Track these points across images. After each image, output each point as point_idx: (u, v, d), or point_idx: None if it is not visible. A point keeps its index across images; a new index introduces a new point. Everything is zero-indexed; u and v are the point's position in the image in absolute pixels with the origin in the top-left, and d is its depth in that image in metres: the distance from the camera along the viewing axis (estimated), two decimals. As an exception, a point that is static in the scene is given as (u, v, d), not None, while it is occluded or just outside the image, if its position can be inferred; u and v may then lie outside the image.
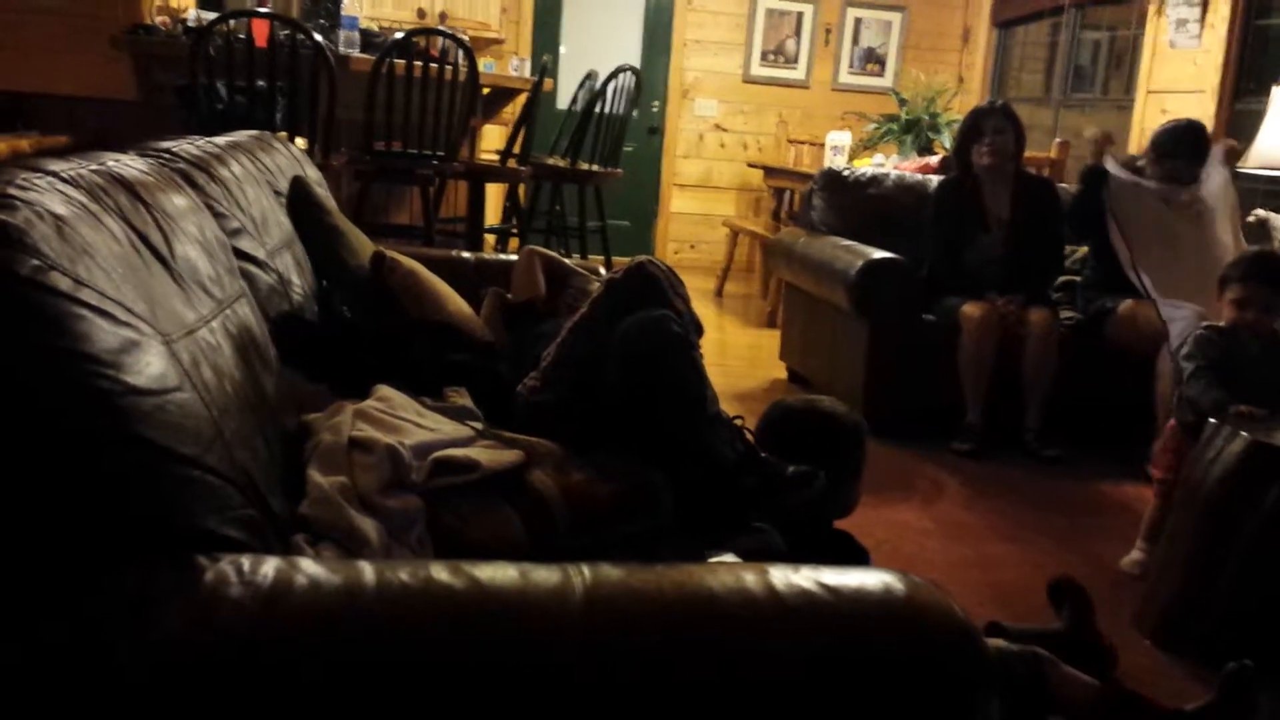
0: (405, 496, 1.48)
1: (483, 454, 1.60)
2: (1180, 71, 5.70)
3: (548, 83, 5.52)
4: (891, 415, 3.96)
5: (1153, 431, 3.04)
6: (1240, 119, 5.35)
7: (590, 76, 5.88)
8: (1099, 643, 2.21)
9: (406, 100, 4.34)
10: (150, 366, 1.10)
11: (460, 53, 4.46)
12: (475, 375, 2.00)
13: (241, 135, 2.45)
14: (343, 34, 4.69)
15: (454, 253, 3.24)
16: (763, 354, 5.23)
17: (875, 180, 4.56)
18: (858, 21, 8.09)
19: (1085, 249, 4.39)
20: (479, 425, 1.77)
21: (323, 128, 4.23)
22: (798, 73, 8.10)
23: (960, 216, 4.07)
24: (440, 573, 1.03)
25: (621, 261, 2.17)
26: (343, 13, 4.94)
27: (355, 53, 4.63)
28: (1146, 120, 5.96)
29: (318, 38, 4.10)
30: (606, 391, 1.81)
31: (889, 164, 5.83)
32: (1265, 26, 5.38)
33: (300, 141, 4.15)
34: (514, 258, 3.13)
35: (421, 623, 0.99)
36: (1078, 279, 4.20)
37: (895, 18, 8.12)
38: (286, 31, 4.10)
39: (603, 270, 2.78)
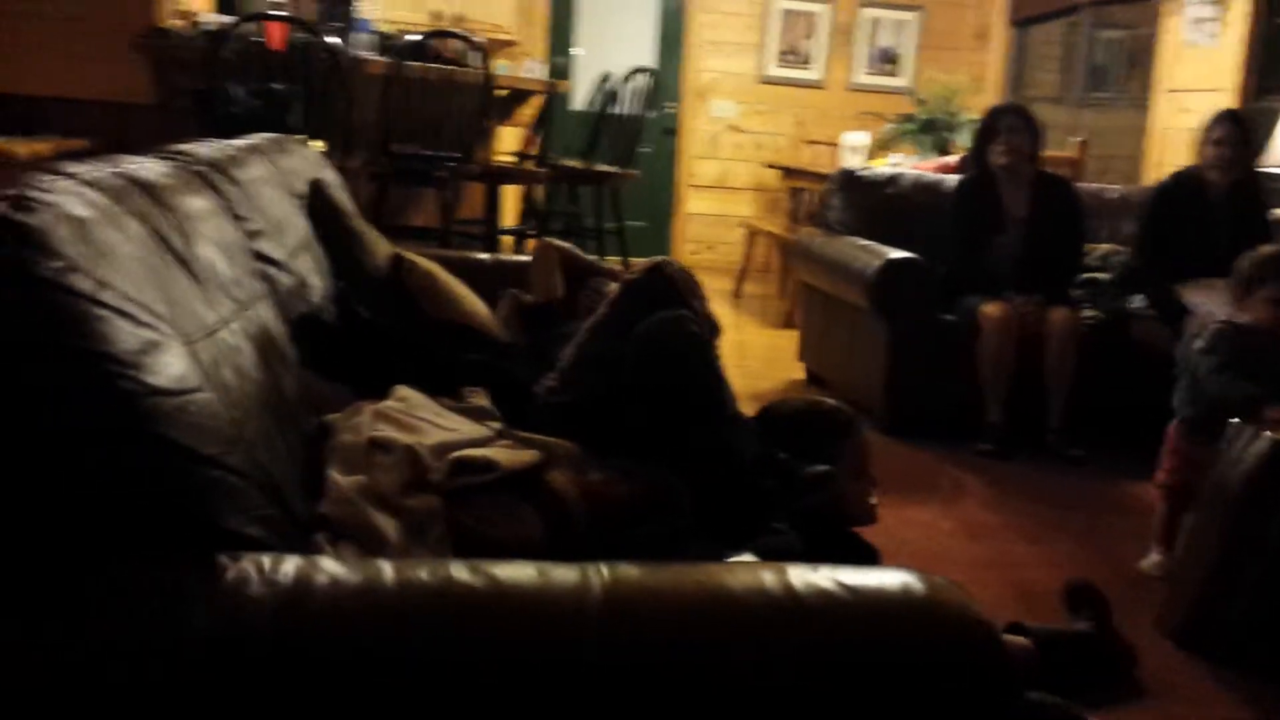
0: (424, 496, 1.48)
1: (501, 454, 1.60)
2: (1198, 70, 5.67)
3: (563, 84, 5.53)
4: (912, 415, 3.95)
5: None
6: (1259, 117, 5.32)
7: (606, 78, 5.88)
8: (1117, 644, 2.19)
9: (422, 103, 4.36)
10: (171, 367, 1.11)
11: (475, 55, 4.47)
12: (493, 376, 2.00)
13: (259, 138, 2.46)
14: (358, 36, 4.71)
15: (471, 254, 3.25)
16: (781, 354, 5.22)
17: (893, 180, 4.55)
18: (874, 21, 8.07)
19: (1108, 246, 4.37)
20: (497, 425, 1.77)
21: (340, 130, 4.25)
22: (813, 73, 8.08)
23: (978, 216, 4.05)
24: (460, 572, 1.03)
25: (639, 262, 2.17)
26: (358, 16, 4.96)
27: (371, 55, 4.65)
28: (1165, 120, 5.93)
29: (333, 40, 4.11)
30: (625, 392, 1.81)
31: (906, 164, 5.81)
32: (1285, 23, 5.35)
33: (318, 144, 4.16)
34: (531, 258, 3.14)
35: (441, 621, 0.99)
36: (1100, 276, 4.18)
37: (911, 17, 8.10)
38: (302, 35, 4.12)
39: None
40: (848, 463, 2.04)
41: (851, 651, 1.01)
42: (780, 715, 0.97)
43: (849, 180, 4.57)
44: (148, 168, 1.50)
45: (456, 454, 1.55)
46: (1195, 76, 5.68)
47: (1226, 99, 5.35)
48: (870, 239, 4.24)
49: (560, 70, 5.50)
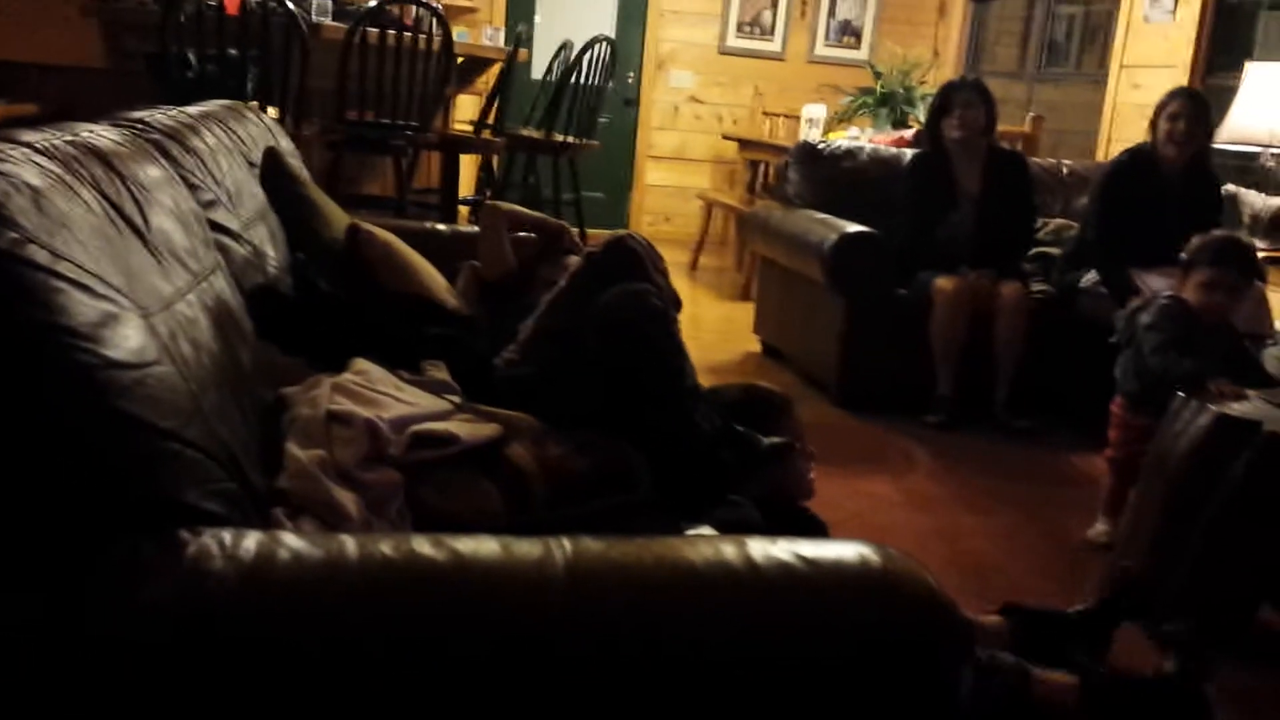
0: (384, 470, 1.48)
1: (461, 428, 1.60)
2: (1153, 47, 5.74)
3: (522, 53, 5.48)
4: (864, 388, 4.00)
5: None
6: (1212, 94, 5.39)
7: (565, 47, 5.84)
8: (1110, 632, 2.23)
9: (379, 70, 4.31)
10: (129, 340, 1.10)
11: (434, 22, 4.42)
12: (452, 349, 1.99)
13: (213, 105, 2.43)
14: (314, 2, 4.64)
15: (428, 224, 3.23)
16: (736, 327, 5.25)
17: (850, 154, 4.57)
18: (834, -7, 8.08)
19: (1059, 220, 4.42)
20: (457, 399, 1.77)
21: (294, 97, 4.20)
22: (774, 45, 8.08)
23: (932, 191, 4.08)
24: (422, 546, 1.03)
25: (596, 234, 2.17)
26: (314, -20, 4.88)
27: (327, 21, 4.59)
28: (1120, 95, 5.99)
29: (289, 5, 4.05)
30: (585, 364, 1.81)
31: (864, 137, 5.84)
32: (1238, 3, 5.42)
33: (271, 111, 4.11)
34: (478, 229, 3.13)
35: (404, 596, 1.00)
36: (1051, 250, 4.23)
37: (871, -10, 8.11)
38: (258, -1, 4.06)
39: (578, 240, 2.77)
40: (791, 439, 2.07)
41: (811, 622, 1.03)
42: (742, 685, 0.99)
43: (807, 153, 4.59)
44: (101, 136, 1.48)
45: (416, 428, 1.56)
46: (1150, 53, 5.74)
47: (1180, 75, 5.42)
48: (827, 212, 4.26)
49: (520, 38, 5.44)
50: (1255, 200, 4.45)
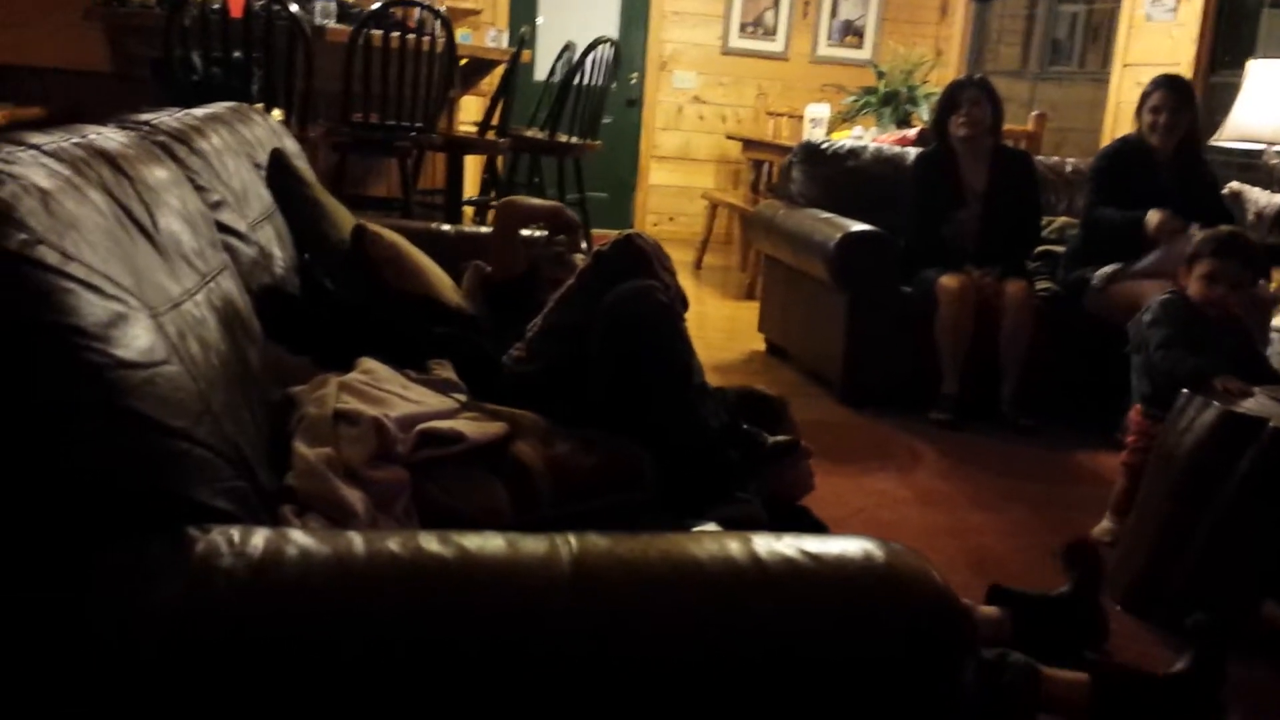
0: (391, 468, 1.49)
1: (467, 426, 1.61)
2: (1156, 45, 5.73)
3: (525, 54, 5.49)
4: (870, 386, 4.00)
5: (1127, 401, 3.08)
6: (1215, 92, 5.39)
7: (568, 48, 5.85)
8: (1097, 611, 2.24)
9: (384, 72, 4.32)
10: (138, 340, 1.10)
11: (437, 24, 4.43)
12: (458, 347, 2.00)
13: (219, 107, 2.44)
14: (319, 4, 4.65)
15: (433, 225, 3.24)
16: (741, 326, 5.25)
17: (854, 153, 4.57)
18: (836, -7, 8.08)
19: (1064, 219, 4.42)
20: (463, 397, 1.78)
21: (299, 99, 4.21)
22: (776, 45, 8.08)
23: (938, 189, 4.09)
24: (430, 543, 1.04)
25: (601, 234, 2.18)
26: (318, -17, 4.89)
27: (331, 23, 4.60)
28: (1123, 94, 5.99)
29: (293, 8, 4.06)
30: (593, 361, 1.82)
31: (867, 137, 5.84)
32: (1241, 1, 5.41)
33: (277, 113, 4.12)
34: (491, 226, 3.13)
35: (412, 592, 1.00)
36: (1056, 248, 4.23)
37: (874, -11, 8.11)
38: (262, 2, 4.07)
39: (583, 243, 2.78)
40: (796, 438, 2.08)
41: (816, 617, 1.03)
42: (747, 680, 0.99)
43: (811, 152, 4.59)
44: (109, 138, 1.48)
45: (422, 426, 1.56)
46: (1152, 51, 5.74)
47: (1183, 73, 5.41)
48: (831, 212, 4.27)
49: (524, 40, 5.45)
50: (1259, 197, 4.45)
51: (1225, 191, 4.27)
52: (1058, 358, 3.94)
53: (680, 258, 6.82)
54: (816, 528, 2.01)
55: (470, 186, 6.17)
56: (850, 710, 1.01)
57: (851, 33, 8.15)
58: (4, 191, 1.06)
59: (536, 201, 2.55)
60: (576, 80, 5.50)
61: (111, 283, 1.12)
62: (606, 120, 6.65)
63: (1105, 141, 6.01)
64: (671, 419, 1.80)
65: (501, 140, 5.41)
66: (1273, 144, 4.58)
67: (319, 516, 1.36)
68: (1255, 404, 2.39)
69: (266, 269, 2.00)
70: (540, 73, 6.82)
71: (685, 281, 2.02)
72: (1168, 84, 3.86)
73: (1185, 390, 2.47)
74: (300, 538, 1.04)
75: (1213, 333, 2.69)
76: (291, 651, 0.96)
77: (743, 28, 8.02)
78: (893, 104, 6.65)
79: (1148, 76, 4.05)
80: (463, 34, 5.59)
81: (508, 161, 6.07)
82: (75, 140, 1.36)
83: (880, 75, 6.87)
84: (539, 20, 7.76)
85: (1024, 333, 3.83)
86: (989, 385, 3.89)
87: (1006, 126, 4.26)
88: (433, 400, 1.70)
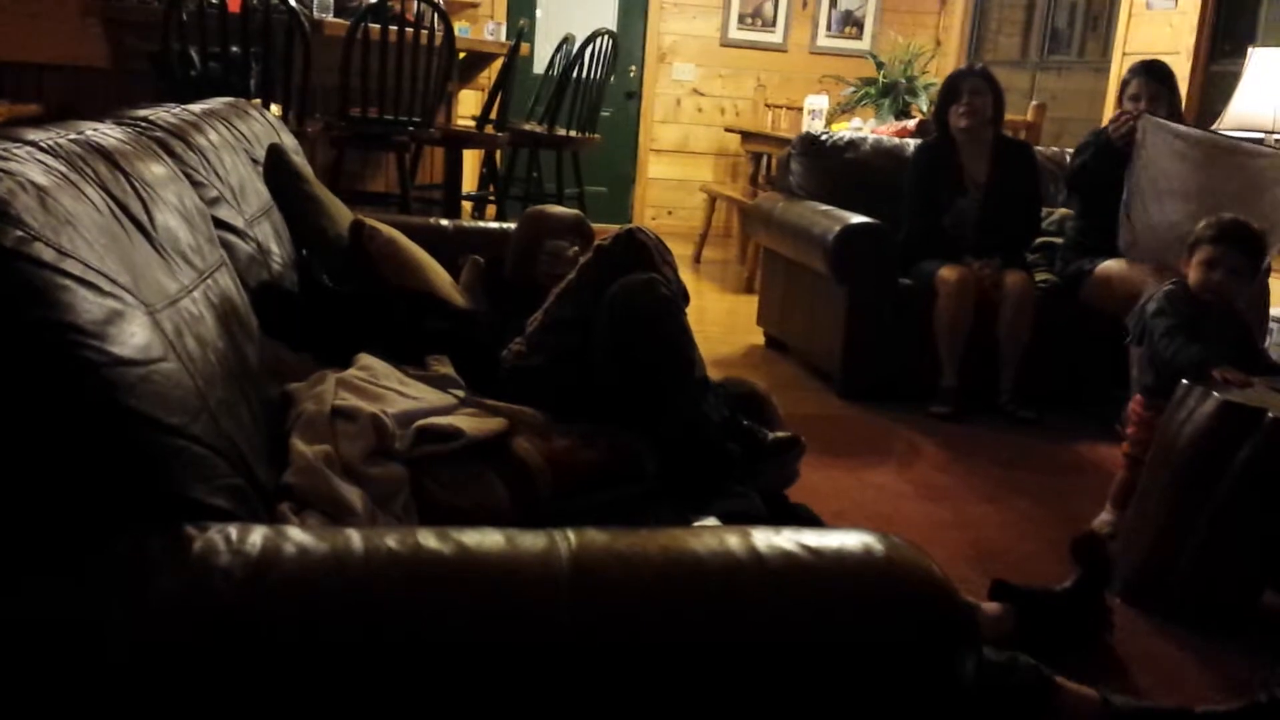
0: (389, 465, 1.49)
1: (466, 421, 1.61)
2: (1157, 33, 5.72)
3: (524, 47, 5.48)
4: (869, 379, 4.00)
5: (1126, 392, 3.08)
6: (1216, 80, 5.38)
7: (567, 41, 5.84)
8: (1101, 606, 2.24)
9: (382, 66, 4.31)
10: (135, 337, 1.10)
11: (435, 17, 4.42)
12: (457, 343, 2.00)
13: (216, 102, 2.43)
14: (317, -2, 4.65)
15: (432, 220, 3.23)
16: (740, 319, 5.25)
17: (853, 144, 4.56)
18: (835, -17, 8.06)
19: (1064, 210, 4.42)
20: (461, 393, 1.78)
21: (297, 94, 4.20)
22: (775, 36, 8.07)
23: (938, 180, 4.08)
24: (428, 539, 1.04)
25: (601, 228, 2.17)
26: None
27: (329, 18, 4.59)
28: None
29: (291, 2, 4.06)
30: (594, 354, 1.82)
31: (866, 128, 5.83)
32: (1240, -12, 5.40)
33: (274, 108, 4.12)
34: (493, 225, 3.13)
35: (410, 589, 1.00)
36: (1056, 240, 4.23)
37: (872, -20, 8.09)
38: (260, -4, 4.06)
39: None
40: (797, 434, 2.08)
41: (815, 610, 1.03)
42: (747, 675, 0.99)
43: (810, 144, 4.58)
44: (105, 134, 1.48)
45: (421, 422, 1.56)
46: (1153, 39, 5.73)
47: (1183, 62, 5.41)
48: (830, 204, 4.26)
49: (522, 33, 5.44)
50: (1260, 187, 4.43)
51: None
52: (1057, 349, 3.94)
53: (679, 251, 6.80)
54: (813, 523, 2.00)
55: (469, 181, 6.17)
56: (851, 703, 1.01)
57: (851, 23, 8.14)
58: (0, 188, 1.05)
59: (561, 210, 2.53)
60: (575, 73, 5.50)
61: (108, 280, 1.12)
62: (605, 113, 6.64)
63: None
64: (673, 412, 1.80)
65: (500, 134, 5.40)
66: (1273, 132, 4.57)
67: (317, 514, 1.36)
68: (1254, 394, 2.39)
69: (264, 265, 2.00)
70: (539, 66, 6.81)
71: (684, 275, 2.02)
72: (1145, 70, 3.85)
73: (1185, 381, 2.47)
74: (298, 535, 1.04)
75: (1213, 323, 2.69)
76: (289, 649, 0.96)
77: (741, 19, 8.01)
78: (892, 95, 6.64)
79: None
80: (461, 27, 5.57)
81: (506, 156, 6.06)
82: (71, 136, 1.36)
83: (879, 66, 6.86)
84: (537, 13, 7.74)
85: (1024, 324, 3.83)
86: (989, 377, 3.89)
87: (1006, 117, 4.25)
88: (431, 396, 1.70)
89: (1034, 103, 5.93)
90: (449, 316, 2.11)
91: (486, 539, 1.05)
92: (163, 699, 0.93)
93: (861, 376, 4.01)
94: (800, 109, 6.63)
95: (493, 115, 5.48)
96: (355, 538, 1.04)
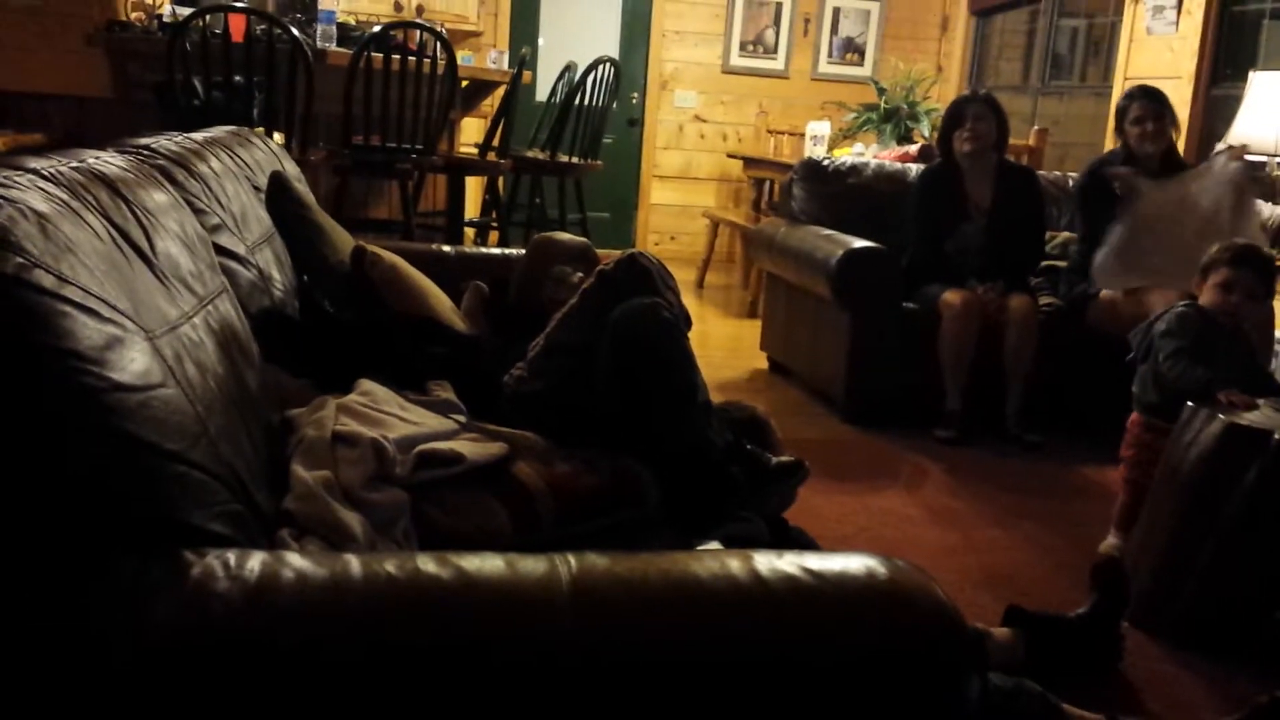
0: (390, 490, 1.48)
1: (467, 447, 1.60)
2: (1157, 58, 5.74)
3: (526, 75, 5.51)
4: (873, 403, 3.99)
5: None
6: (1217, 104, 5.39)
7: (569, 68, 5.87)
8: (1116, 633, 2.22)
9: (385, 94, 4.34)
10: (134, 363, 1.10)
11: (438, 46, 4.45)
12: (458, 368, 2.00)
13: (219, 131, 2.44)
14: (320, 28, 4.67)
15: (434, 246, 3.24)
16: (744, 344, 5.25)
17: (855, 170, 4.57)
18: (836, 11, 8.10)
19: (1067, 234, 4.42)
20: (462, 418, 1.77)
21: (300, 122, 4.22)
22: (777, 63, 8.11)
23: (942, 205, 4.09)
24: (427, 564, 1.03)
25: (604, 254, 2.17)
26: (319, 6, 4.92)
27: (332, 47, 4.62)
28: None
29: (294, 32, 4.08)
30: (597, 379, 1.82)
31: (869, 153, 5.85)
32: (1241, 12, 5.42)
33: (278, 136, 4.13)
34: (495, 251, 3.14)
35: (409, 614, 1.00)
36: (1059, 264, 4.23)
37: (874, 7, 8.13)
38: (263, 26, 4.09)
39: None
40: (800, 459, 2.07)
41: (818, 635, 1.03)
42: (749, 699, 0.98)
43: (812, 170, 4.59)
44: (107, 162, 1.49)
45: (422, 447, 1.56)
46: (1154, 64, 5.74)
47: (1184, 87, 5.42)
48: (833, 229, 4.26)
49: (524, 61, 5.47)
50: (1262, 209, 4.44)
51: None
52: (1062, 373, 3.93)
53: (682, 277, 6.80)
54: (809, 547, 1.99)
55: (471, 208, 6.18)
56: (855, 730, 1.01)
57: (852, 50, 8.18)
58: (0, 215, 1.06)
59: (569, 238, 2.54)
60: (577, 100, 5.52)
61: (108, 306, 1.12)
62: (607, 140, 6.67)
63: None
64: (676, 436, 1.79)
65: (502, 161, 5.42)
66: (1275, 155, 4.57)
67: (318, 539, 1.35)
68: (1260, 416, 2.38)
69: (265, 291, 2.00)
70: (541, 93, 6.85)
71: (687, 300, 2.02)
72: (1144, 94, 3.89)
73: (1190, 403, 2.46)
74: (297, 560, 1.03)
75: (1224, 344, 2.68)
76: (289, 675, 0.95)
77: (743, 46, 8.05)
78: (894, 120, 6.66)
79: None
80: (464, 56, 5.61)
81: (509, 182, 6.08)
82: (73, 164, 1.37)
83: (881, 92, 6.89)
84: (540, 41, 7.79)
85: (1028, 348, 3.82)
86: (993, 401, 3.87)
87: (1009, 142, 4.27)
88: (432, 421, 1.70)
89: (1036, 128, 5.94)
90: (450, 342, 2.11)
91: (487, 564, 1.04)
92: (159, 727, 0.92)
93: (865, 401, 4.00)
94: (802, 135, 6.65)
95: (495, 142, 5.50)
96: (354, 563, 1.03)
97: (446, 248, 3.14)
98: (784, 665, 1.00)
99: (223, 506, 1.14)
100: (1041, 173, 4.69)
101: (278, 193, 2.33)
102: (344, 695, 0.94)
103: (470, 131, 6.66)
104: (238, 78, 4.07)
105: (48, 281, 1.05)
